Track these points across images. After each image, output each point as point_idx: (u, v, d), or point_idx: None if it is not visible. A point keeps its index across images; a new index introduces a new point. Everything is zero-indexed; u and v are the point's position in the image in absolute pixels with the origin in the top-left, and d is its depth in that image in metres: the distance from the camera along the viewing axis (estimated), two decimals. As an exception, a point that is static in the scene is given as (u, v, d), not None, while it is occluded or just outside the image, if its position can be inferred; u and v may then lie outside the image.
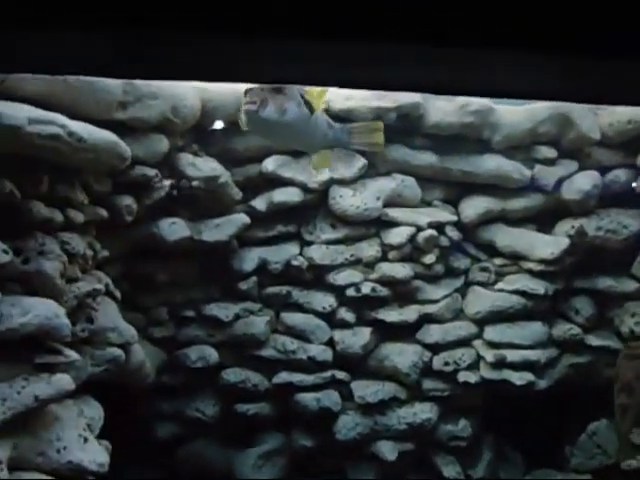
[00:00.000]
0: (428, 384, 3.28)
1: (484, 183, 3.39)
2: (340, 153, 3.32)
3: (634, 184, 3.38)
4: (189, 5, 1.44)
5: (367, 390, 3.23)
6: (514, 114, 3.33)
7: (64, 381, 2.20)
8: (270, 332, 3.28)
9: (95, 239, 2.75)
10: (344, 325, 3.27)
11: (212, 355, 3.19)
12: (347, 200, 3.27)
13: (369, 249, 3.30)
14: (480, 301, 3.34)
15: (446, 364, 3.26)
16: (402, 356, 3.25)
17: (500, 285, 3.35)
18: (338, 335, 3.26)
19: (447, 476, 3.25)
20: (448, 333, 3.29)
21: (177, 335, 3.26)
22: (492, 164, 3.36)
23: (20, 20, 1.26)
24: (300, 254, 3.31)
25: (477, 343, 3.32)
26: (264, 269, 3.29)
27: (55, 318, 2.19)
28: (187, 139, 3.16)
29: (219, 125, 3.31)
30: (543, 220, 3.47)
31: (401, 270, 3.26)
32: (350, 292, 3.25)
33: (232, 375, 3.21)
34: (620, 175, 3.38)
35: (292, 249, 3.31)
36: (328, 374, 3.22)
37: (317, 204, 3.33)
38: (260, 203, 3.27)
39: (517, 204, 3.42)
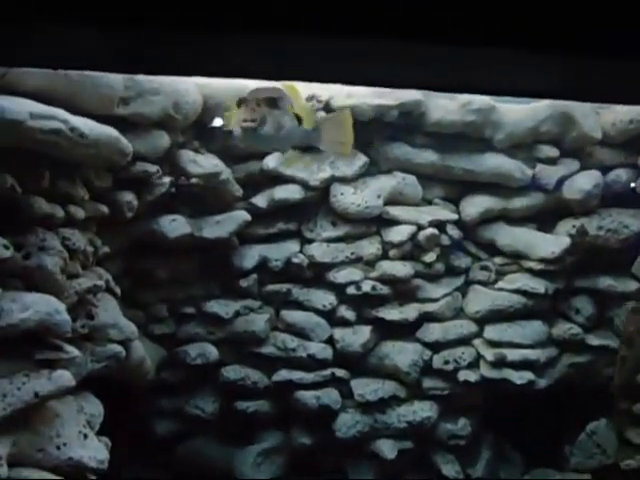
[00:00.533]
0: (428, 383, 3.27)
1: (485, 182, 3.39)
2: (341, 151, 3.32)
3: (635, 184, 3.38)
4: (188, 3, 1.44)
5: (367, 388, 3.23)
6: (516, 113, 3.33)
7: (64, 377, 2.19)
8: (270, 330, 3.27)
9: (96, 235, 2.74)
10: (344, 323, 3.27)
11: (212, 352, 3.18)
12: (348, 198, 3.26)
13: (370, 247, 3.30)
14: (480, 300, 3.33)
15: (446, 363, 3.26)
16: (402, 354, 3.24)
17: (500, 284, 3.35)
18: (338, 333, 3.26)
19: (446, 475, 3.25)
20: (448, 332, 3.29)
21: (177, 332, 3.26)
22: (493, 163, 3.36)
23: (22, 15, 1.25)
24: (300, 252, 3.30)
25: (477, 342, 3.32)
26: (264, 266, 3.28)
27: (55, 314, 2.18)
28: (188, 135, 3.15)
29: (220, 122, 3.30)
30: (544, 219, 3.47)
31: (402, 268, 3.25)
32: (350, 290, 3.24)
33: (232, 372, 3.21)
34: (621, 175, 3.38)
35: (292, 247, 3.30)
36: (328, 372, 3.22)
37: (318, 202, 3.33)
38: (261, 200, 3.26)
39: (518, 203, 3.42)
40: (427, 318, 3.32)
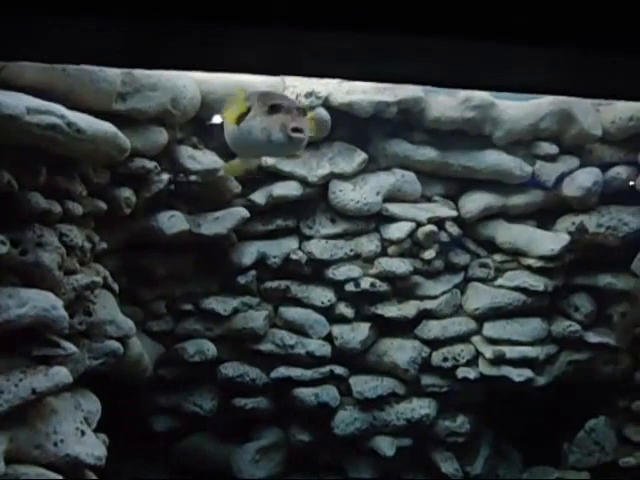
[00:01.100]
0: (427, 380, 3.27)
1: (485, 179, 3.38)
2: (341, 147, 3.31)
3: (635, 181, 3.37)
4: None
5: (366, 385, 3.22)
6: (516, 109, 3.32)
7: (61, 374, 2.18)
8: (269, 326, 3.27)
9: (94, 231, 2.72)
10: (343, 320, 3.26)
11: (210, 349, 3.17)
12: (347, 195, 3.25)
13: (368, 244, 3.29)
14: (479, 297, 3.33)
15: (445, 360, 3.25)
16: (401, 352, 3.24)
17: (499, 281, 3.34)
18: (337, 330, 3.25)
19: (445, 472, 3.24)
20: (447, 329, 3.28)
21: (175, 329, 3.25)
22: (493, 160, 3.35)
23: (21, 8, 1.24)
24: (299, 248, 3.29)
25: (476, 339, 3.31)
26: (263, 263, 3.27)
27: (53, 310, 2.17)
28: (187, 131, 3.14)
29: (219, 118, 3.28)
30: (544, 216, 3.46)
31: (400, 265, 3.25)
32: (349, 287, 3.24)
33: (230, 369, 3.20)
34: (621, 172, 3.37)
35: (291, 243, 3.29)
36: (326, 369, 3.22)
37: (317, 198, 3.32)
38: (259, 197, 3.25)
39: (518, 200, 3.41)
40: (426, 315, 3.31)
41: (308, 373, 3.19)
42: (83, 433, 2.26)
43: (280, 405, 3.26)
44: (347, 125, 3.28)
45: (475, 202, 3.37)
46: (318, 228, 3.30)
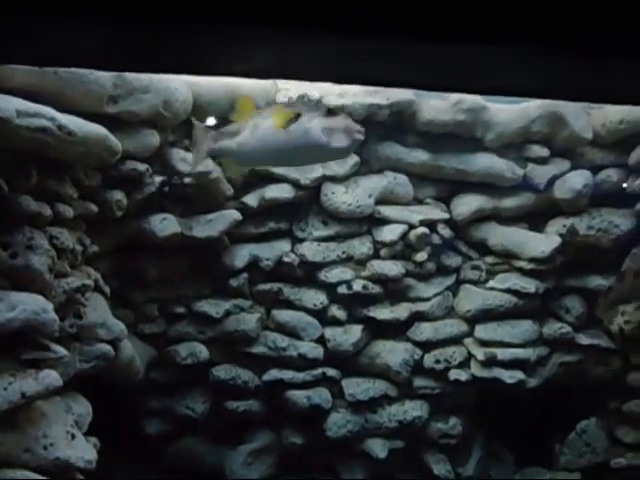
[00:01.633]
0: (419, 382, 3.28)
1: (476, 181, 3.39)
2: (333, 150, 3.31)
3: (625, 184, 3.39)
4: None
5: (358, 388, 3.23)
6: (507, 112, 3.33)
7: (51, 377, 2.17)
8: (261, 329, 3.27)
9: (85, 234, 2.72)
10: (335, 322, 3.27)
11: (202, 352, 3.17)
12: (339, 197, 3.26)
13: (361, 246, 3.29)
14: (471, 299, 3.34)
15: (437, 362, 3.26)
16: (393, 354, 3.25)
17: (491, 283, 3.36)
18: (329, 332, 3.25)
19: (437, 474, 3.25)
20: (439, 331, 3.29)
21: (167, 331, 3.24)
22: (485, 162, 3.36)
23: (11, 12, 1.24)
24: (292, 251, 3.30)
25: (468, 341, 3.32)
26: (255, 266, 3.27)
27: (43, 313, 2.16)
28: (179, 134, 3.13)
29: (212, 120, 3.28)
30: (535, 219, 3.48)
31: (393, 268, 3.25)
32: (341, 289, 3.24)
33: (222, 372, 3.20)
34: (612, 174, 3.40)
35: (284, 246, 3.29)
36: (319, 371, 3.22)
37: (309, 201, 3.32)
38: (252, 199, 3.25)
39: (509, 202, 3.43)
40: (418, 317, 3.32)
41: (300, 375, 3.19)
42: (73, 437, 2.26)
43: (272, 408, 3.26)
44: (339, 128, 3.29)
45: (467, 204, 3.39)
46: (310, 230, 3.31)
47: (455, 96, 3.29)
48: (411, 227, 3.28)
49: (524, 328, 3.32)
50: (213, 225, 3.14)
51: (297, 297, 3.28)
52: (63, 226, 2.48)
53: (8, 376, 2.09)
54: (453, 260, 3.42)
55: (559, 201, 3.38)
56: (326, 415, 3.20)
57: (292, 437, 3.24)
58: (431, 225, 3.32)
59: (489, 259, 3.42)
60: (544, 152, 3.41)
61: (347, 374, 3.28)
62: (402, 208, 3.35)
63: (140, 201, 2.97)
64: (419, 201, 3.43)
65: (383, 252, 3.29)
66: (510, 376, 3.21)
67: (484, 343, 3.29)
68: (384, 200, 3.33)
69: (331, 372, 3.24)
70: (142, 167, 2.88)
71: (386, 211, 3.31)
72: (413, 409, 3.24)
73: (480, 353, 3.25)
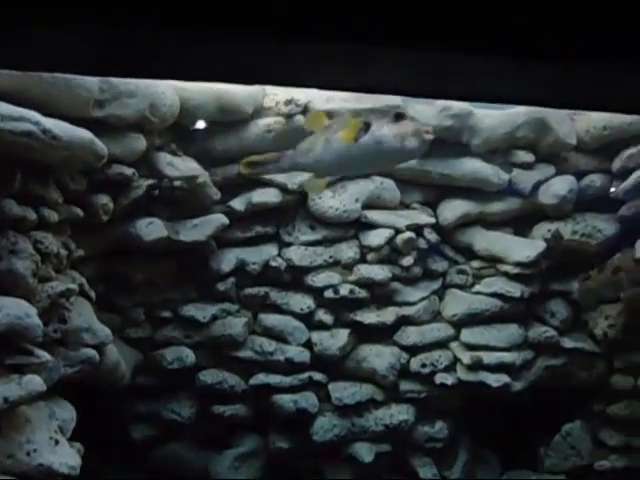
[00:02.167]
0: (405, 386, 3.29)
1: (463, 186, 3.42)
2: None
3: (610, 189, 3.43)
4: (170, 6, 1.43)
5: (344, 392, 3.23)
6: (493, 118, 3.37)
7: (35, 382, 2.16)
8: (248, 333, 3.27)
9: (70, 238, 2.71)
10: (322, 327, 3.27)
11: (189, 356, 3.16)
12: (326, 202, 3.27)
13: (348, 251, 3.31)
14: (457, 303, 3.36)
15: (423, 366, 3.27)
16: (380, 358, 3.26)
17: (477, 288, 3.38)
18: (316, 337, 3.26)
19: (423, 477, 3.26)
20: (425, 335, 3.31)
21: (154, 336, 3.23)
22: (471, 167, 3.39)
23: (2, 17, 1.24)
24: (279, 255, 3.30)
25: (454, 345, 3.34)
26: (242, 270, 3.28)
27: (26, 318, 2.15)
28: (165, 138, 3.14)
29: (199, 125, 3.29)
30: (520, 223, 3.51)
31: (379, 272, 3.27)
32: (328, 294, 3.25)
33: (209, 376, 3.19)
34: (595, 180, 3.44)
35: (271, 250, 3.30)
36: (305, 376, 3.22)
37: (296, 205, 3.33)
38: (239, 204, 3.26)
39: (495, 207, 3.46)
40: (404, 321, 3.33)
41: (287, 380, 3.20)
42: (57, 442, 2.24)
43: (259, 412, 3.26)
44: (327, 132, 3.30)
45: (453, 209, 3.41)
46: (297, 235, 3.32)
47: (441, 102, 3.32)
48: (398, 232, 3.29)
49: (510, 332, 3.35)
50: (200, 229, 3.14)
51: (284, 301, 3.28)
52: (48, 230, 2.47)
53: (-9, 381, 2.08)
54: (439, 265, 3.44)
55: (544, 206, 3.42)
56: (313, 419, 3.20)
57: (279, 441, 3.24)
58: (417, 230, 3.34)
59: (475, 263, 3.44)
60: (529, 157, 3.44)
61: (334, 378, 3.28)
62: (389, 213, 3.37)
63: (126, 205, 2.97)
64: (406, 206, 3.45)
65: (370, 256, 3.31)
66: (496, 380, 3.23)
67: (470, 347, 3.31)
68: (371, 205, 3.35)
69: (318, 376, 3.24)
70: (128, 171, 2.88)
71: (373, 216, 3.32)
72: (399, 413, 3.25)
73: (466, 357, 3.27)
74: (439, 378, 3.25)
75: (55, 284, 2.44)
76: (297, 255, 3.27)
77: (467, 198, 3.43)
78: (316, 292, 3.28)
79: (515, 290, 3.31)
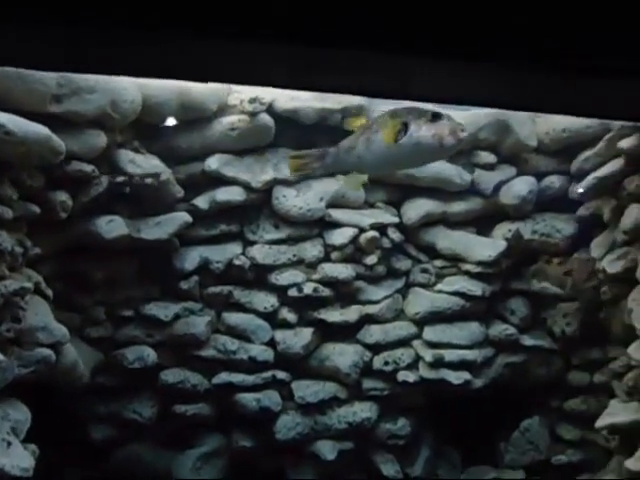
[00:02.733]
0: (368, 384, 3.32)
1: (426, 186, 3.45)
2: (285, 153, 3.33)
3: (568, 190, 3.51)
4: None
5: (307, 390, 3.24)
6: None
7: (-14, 383, 2.12)
8: (211, 332, 3.25)
9: (26, 236, 2.66)
10: (285, 325, 3.28)
11: (150, 355, 3.13)
12: (290, 200, 3.27)
13: (312, 249, 3.32)
14: (420, 302, 3.40)
15: (386, 364, 3.30)
16: (343, 356, 3.28)
17: (440, 286, 3.42)
18: (279, 335, 3.26)
19: (386, 474, 3.29)
20: (388, 333, 3.34)
21: (115, 335, 3.19)
22: (434, 168, 3.41)
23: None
24: (242, 254, 3.29)
25: (416, 343, 3.38)
26: (206, 268, 3.26)
27: (-23, 317, 2.10)
28: (127, 135, 3.09)
29: (163, 122, 3.25)
30: (482, 223, 3.56)
31: (343, 271, 3.29)
32: (292, 292, 3.26)
33: (171, 376, 3.17)
34: (555, 181, 3.51)
35: (234, 248, 3.29)
36: (269, 374, 3.22)
37: (260, 204, 3.33)
38: (202, 202, 3.24)
39: (457, 207, 3.50)
40: (368, 320, 3.36)
41: (250, 378, 3.19)
42: (9, 444, 2.20)
43: (222, 411, 3.25)
44: (292, 131, 3.31)
45: (416, 209, 3.45)
46: (262, 233, 3.31)
47: (406, 102, 3.34)
48: (362, 231, 3.32)
49: (471, 330, 3.40)
50: (162, 227, 3.11)
51: (247, 300, 3.28)
52: (2, 228, 2.42)
53: (-62, 382, 2.02)
54: (403, 263, 3.47)
55: (505, 206, 3.48)
56: (276, 418, 3.20)
57: (242, 440, 3.24)
58: (381, 229, 3.36)
59: (438, 262, 3.48)
60: (491, 159, 3.50)
61: (297, 377, 3.29)
62: (353, 212, 3.39)
63: (86, 202, 2.92)
64: (370, 205, 3.48)
65: (334, 255, 3.32)
66: (457, 377, 3.28)
67: (432, 345, 3.35)
68: (335, 204, 3.36)
69: (281, 375, 3.25)
70: (88, 168, 2.84)
71: (337, 215, 3.34)
72: (362, 410, 3.27)
73: (428, 355, 3.31)
74: (401, 376, 3.29)
75: (9, 282, 2.39)
76: (261, 254, 3.27)
77: (431, 198, 3.47)
78: (280, 291, 3.28)
79: (476, 289, 3.36)
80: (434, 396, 3.38)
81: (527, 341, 3.47)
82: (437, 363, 3.30)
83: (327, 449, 3.20)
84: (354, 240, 3.31)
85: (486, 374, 3.43)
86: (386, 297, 3.40)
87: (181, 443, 3.24)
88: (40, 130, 2.42)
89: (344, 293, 3.34)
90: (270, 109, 3.21)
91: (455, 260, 3.46)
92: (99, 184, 2.90)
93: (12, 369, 2.39)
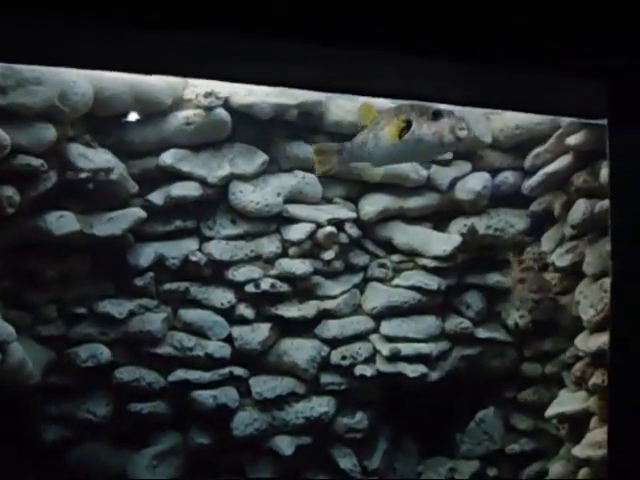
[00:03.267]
0: (326, 378, 3.33)
1: (383, 182, 3.48)
2: (242, 148, 3.31)
3: (522, 186, 3.59)
4: None
5: (265, 386, 3.24)
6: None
7: None
8: (167, 329, 3.21)
9: (-30, 232, 2.58)
10: (243, 321, 3.26)
11: (104, 353, 3.08)
12: (247, 196, 3.25)
13: (269, 245, 3.31)
14: (377, 296, 3.43)
15: (343, 358, 3.32)
16: (300, 351, 3.28)
17: (396, 281, 3.45)
18: (237, 331, 3.24)
19: (343, 468, 3.32)
20: (345, 328, 3.35)
21: (67, 333, 3.12)
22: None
23: None
24: (199, 249, 3.26)
25: (374, 337, 3.41)
26: (161, 265, 3.21)
27: None
28: (79, 129, 3.02)
29: (116, 115, 3.19)
30: (438, 218, 3.61)
31: (301, 266, 3.29)
32: (249, 288, 3.24)
33: (125, 374, 3.12)
34: (509, 177, 3.58)
35: (191, 244, 3.25)
36: (226, 371, 3.20)
37: (217, 199, 3.30)
38: (157, 197, 3.19)
39: (414, 203, 3.54)
40: (325, 315, 3.37)
41: (207, 375, 3.17)
42: (-50, 446, 2.13)
43: (178, 408, 3.21)
44: (248, 126, 3.29)
45: (373, 204, 3.47)
46: (218, 229, 3.29)
47: (363, 98, 3.36)
48: (319, 226, 3.32)
49: (427, 324, 3.45)
50: (115, 223, 3.06)
51: (204, 296, 3.25)
52: (-57, 224, 2.34)
53: None
54: (360, 259, 3.49)
55: (460, 202, 3.53)
56: (233, 414, 3.19)
57: (199, 438, 3.21)
58: (339, 224, 3.38)
59: (395, 257, 3.51)
60: (447, 155, 3.54)
61: (255, 373, 3.28)
62: (311, 207, 3.39)
63: (35, 198, 2.85)
64: (328, 200, 3.48)
65: (291, 251, 3.32)
66: (413, 370, 3.32)
67: (389, 339, 3.38)
68: (293, 199, 3.36)
69: (238, 371, 3.23)
70: (36, 162, 2.77)
71: (295, 210, 3.34)
72: (320, 405, 3.29)
73: (385, 349, 3.34)
74: (359, 370, 3.31)
75: (-50, 280, 2.31)
76: (218, 249, 3.24)
77: (387, 193, 3.50)
78: (237, 287, 3.26)
79: (432, 283, 3.41)
80: (391, 389, 3.42)
81: (482, 334, 3.53)
82: (394, 357, 3.33)
83: (285, 444, 3.20)
84: (311, 235, 3.32)
85: (442, 367, 3.48)
86: (344, 292, 3.41)
87: (137, 442, 3.20)
88: (-18, 123, 2.34)
89: (302, 288, 3.35)
90: (226, 104, 3.19)
91: (412, 255, 3.50)
92: (48, 179, 2.83)
93: (-46, 369, 2.31)
